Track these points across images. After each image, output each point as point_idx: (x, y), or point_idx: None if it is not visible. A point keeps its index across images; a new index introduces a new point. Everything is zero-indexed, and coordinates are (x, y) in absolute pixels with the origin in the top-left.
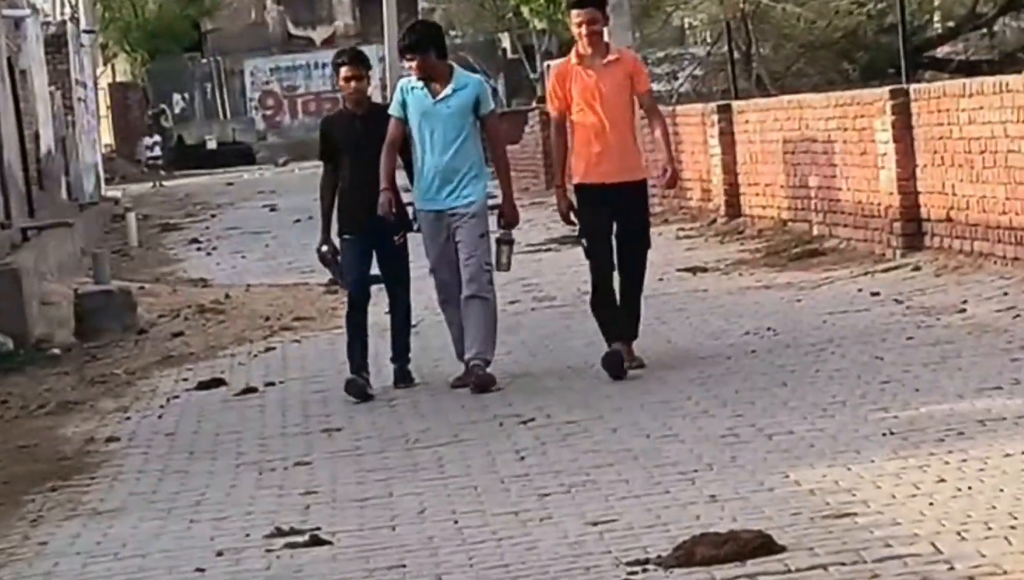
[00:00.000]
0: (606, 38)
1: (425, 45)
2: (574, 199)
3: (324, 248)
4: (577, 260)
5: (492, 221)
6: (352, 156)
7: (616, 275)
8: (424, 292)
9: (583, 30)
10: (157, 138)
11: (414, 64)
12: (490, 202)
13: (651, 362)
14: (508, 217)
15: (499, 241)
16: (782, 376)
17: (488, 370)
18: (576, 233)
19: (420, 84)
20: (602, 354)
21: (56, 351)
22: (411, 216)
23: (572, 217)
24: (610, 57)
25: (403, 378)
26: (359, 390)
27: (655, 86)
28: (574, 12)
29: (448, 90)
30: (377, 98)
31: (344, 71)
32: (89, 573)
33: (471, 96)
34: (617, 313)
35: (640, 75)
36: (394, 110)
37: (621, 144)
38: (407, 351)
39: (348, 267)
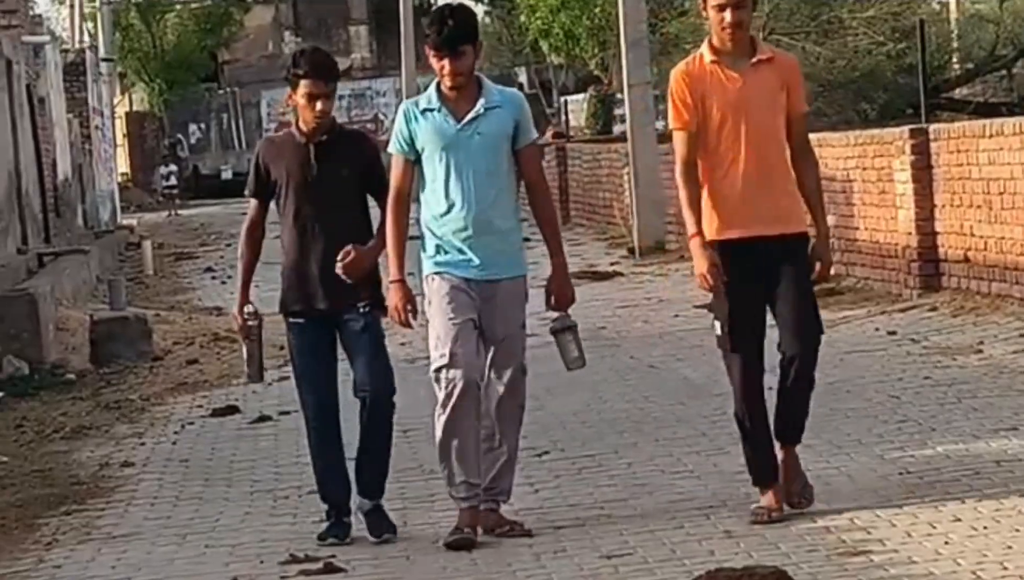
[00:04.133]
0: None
1: (474, 37)
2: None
3: (248, 309)
4: (593, 295)
5: None
6: (300, 199)
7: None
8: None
9: (726, 16)
10: (173, 168)
11: (457, 63)
12: None
13: (667, 398)
14: (561, 295)
15: (556, 331)
16: None
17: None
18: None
19: (436, 103)
20: (754, 505)
21: (71, 376)
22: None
23: (713, 278)
24: (760, 56)
25: (381, 525)
26: (342, 535)
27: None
28: None
29: (478, 108)
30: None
31: (305, 86)
32: None
33: (509, 118)
34: (771, 440)
35: (798, 88)
36: (396, 146)
37: (774, 180)
38: (384, 475)
39: (302, 371)
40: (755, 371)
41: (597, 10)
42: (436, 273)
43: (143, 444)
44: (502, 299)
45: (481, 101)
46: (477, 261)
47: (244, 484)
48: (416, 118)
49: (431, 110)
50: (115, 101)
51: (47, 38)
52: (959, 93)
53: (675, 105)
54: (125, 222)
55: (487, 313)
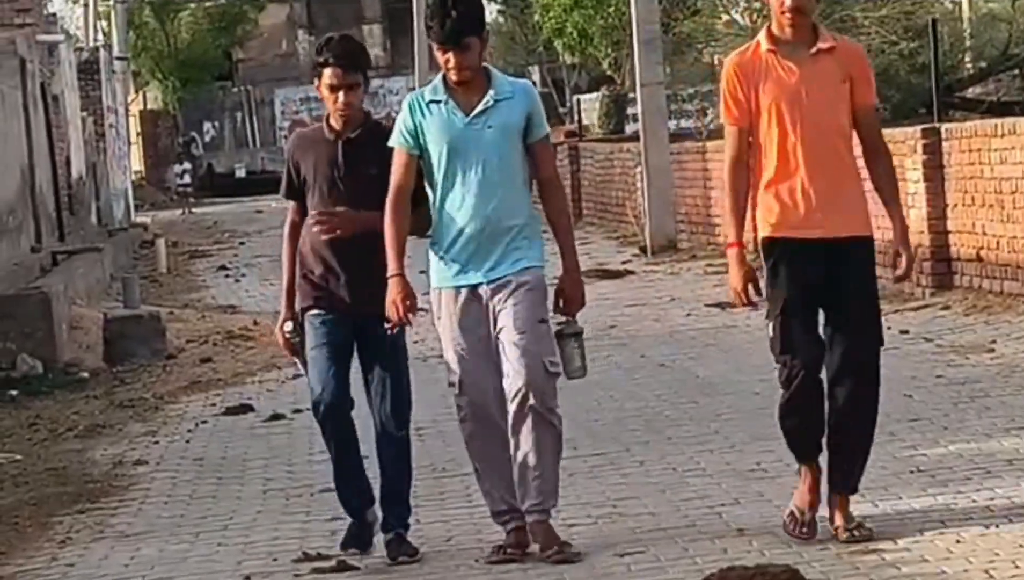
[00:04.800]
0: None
1: (480, 27)
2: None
3: (288, 326)
4: (604, 293)
5: None
6: (326, 197)
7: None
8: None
9: (786, 0)
10: (187, 166)
11: (464, 57)
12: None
13: (679, 397)
14: (571, 297)
15: (561, 335)
16: None
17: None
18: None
19: (443, 95)
20: (794, 493)
21: (85, 375)
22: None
23: (751, 293)
24: (821, 45)
25: (399, 549)
26: (364, 543)
27: (685, 123)
28: None
29: (487, 100)
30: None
31: (327, 76)
32: None
33: (520, 110)
34: (822, 422)
35: (866, 79)
36: (398, 140)
37: (835, 178)
38: (407, 509)
39: (314, 365)
40: (809, 371)
41: (611, 10)
42: (442, 287)
43: (156, 442)
44: (518, 292)
45: (491, 92)
46: (487, 263)
47: (257, 482)
48: (422, 110)
49: (437, 102)
50: (129, 99)
51: (61, 37)
52: (972, 92)
53: (726, 100)
54: (139, 220)
55: (503, 311)
